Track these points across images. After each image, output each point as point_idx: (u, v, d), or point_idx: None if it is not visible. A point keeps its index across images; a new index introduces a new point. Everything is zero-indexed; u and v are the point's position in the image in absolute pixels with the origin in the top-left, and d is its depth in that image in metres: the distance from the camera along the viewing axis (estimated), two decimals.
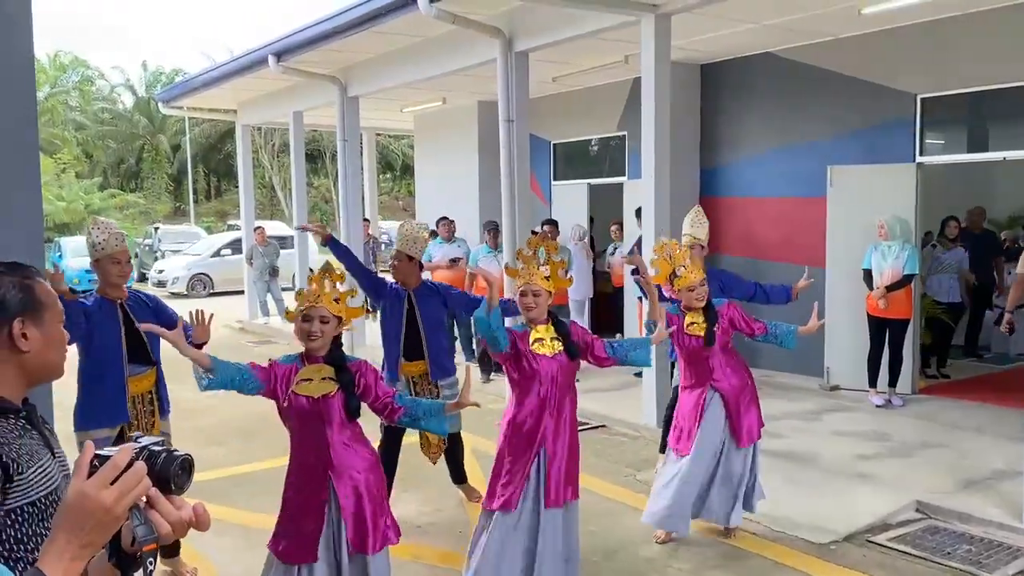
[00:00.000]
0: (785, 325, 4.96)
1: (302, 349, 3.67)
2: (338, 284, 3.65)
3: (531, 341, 3.96)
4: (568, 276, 4.27)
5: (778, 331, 4.93)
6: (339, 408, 3.55)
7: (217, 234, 25.27)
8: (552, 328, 4.03)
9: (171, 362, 4.49)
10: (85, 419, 4.37)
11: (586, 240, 10.61)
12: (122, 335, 4.38)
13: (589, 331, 4.25)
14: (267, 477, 6.45)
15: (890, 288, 7.62)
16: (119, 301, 4.43)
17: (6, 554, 1.72)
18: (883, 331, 7.88)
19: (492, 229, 9.79)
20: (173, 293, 15.21)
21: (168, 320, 4.42)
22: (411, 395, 5.13)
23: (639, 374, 9.27)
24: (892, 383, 7.94)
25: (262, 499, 5.90)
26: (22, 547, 1.75)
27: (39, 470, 1.79)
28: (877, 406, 7.85)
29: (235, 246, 19.11)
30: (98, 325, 4.33)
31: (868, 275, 7.79)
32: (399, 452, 5.44)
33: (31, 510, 1.77)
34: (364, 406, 3.67)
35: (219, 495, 5.93)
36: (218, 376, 3.48)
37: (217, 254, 20.63)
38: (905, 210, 7.94)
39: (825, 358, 8.62)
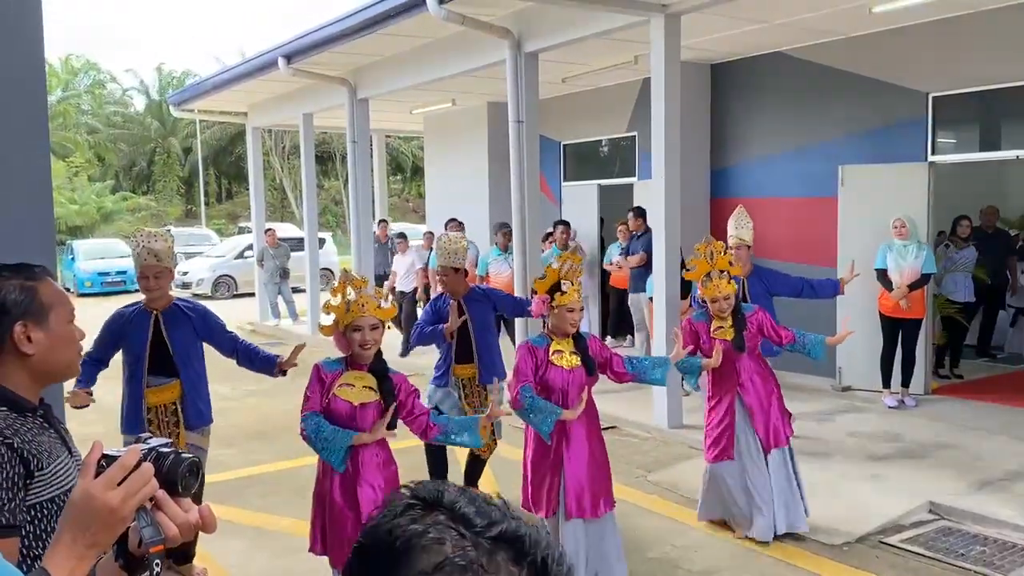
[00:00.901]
0: (813, 335, 4.96)
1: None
2: (365, 289, 3.70)
3: (551, 352, 4.07)
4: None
5: (806, 340, 4.94)
6: (374, 418, 3.60)
7: (239, 235, 25.29)
8: (572, 342, 4.12)
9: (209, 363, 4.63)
10: (125, 424, 4.51)
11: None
12: (147, 345, 4.42)
13: (607, 346, 4.34)
14: (277, 479, 6.48)
15: (910, 288, 7.59)
16: (155, 312, 4.46)
17: (24, 550, 1.74)
18: (896, 331, 7.83)
19: (505, 231, 9.75)
20: (196, 295, 15.32)
21: (213, 330, 4.58)
22: (461, 397, 5.36)
23: None
24: (905, 383, 7.89)
25: (273, 501, 5.92)
26: (40, 544, 1.76)
27: (58, 467, 1.81)
28: (890, 407, 7.80)
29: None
30: (130, 334, 4.43)
31: (883, 275, 7.74)
32: (446, 456, 5.59)
33: (51, 507, 1.79)
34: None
35: (230, 496, 5.95)
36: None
37: (240, 255, 20.62)
38: (917, 209, 7.89)
39: (837, 358, 8.57)
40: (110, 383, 4.71)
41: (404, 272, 11.69)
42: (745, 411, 4.91)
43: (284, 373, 4.61)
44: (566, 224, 9.93)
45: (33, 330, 1.83)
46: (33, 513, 1.76)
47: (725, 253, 4.88)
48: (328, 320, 3.75)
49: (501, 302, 5.77)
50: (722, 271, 4.80)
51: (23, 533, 1.73)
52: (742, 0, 6.78)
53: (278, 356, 4.63)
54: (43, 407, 1.91)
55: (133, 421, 4.46)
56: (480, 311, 5.47)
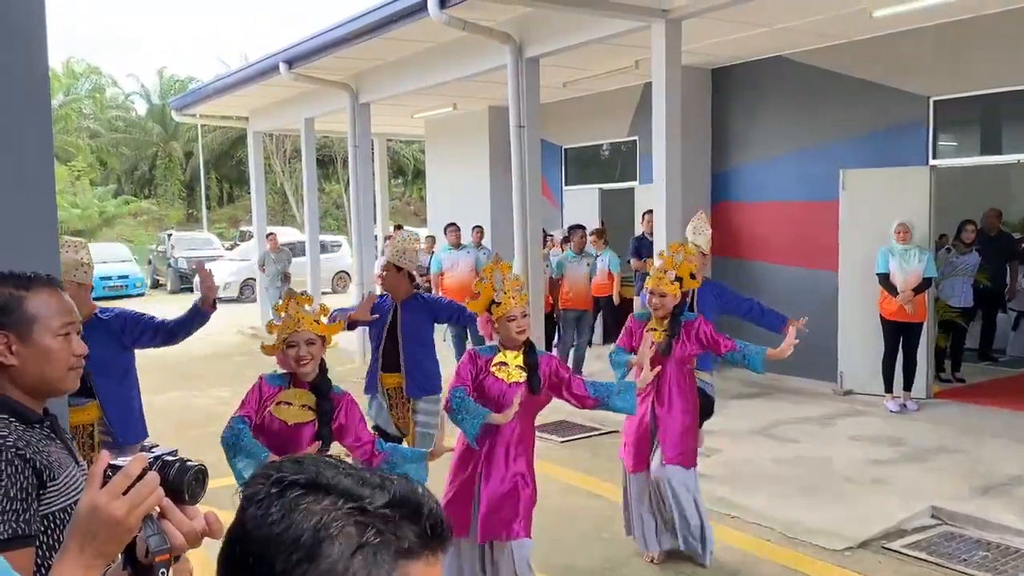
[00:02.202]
0: (755, 347, 4.66)
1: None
2: (307, 306, 3.56)
3: (494, 362, 3.82)
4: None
5: (747, 351, 4.62)
6: (308, 439, 3.43)
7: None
8: (522, 356, 3.84)
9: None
10: None
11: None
12: None
13: (567, 367, 4.09)
14: None
15: (914, 292, 7.60)
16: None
17: (39, 561, 1.74)
18: (897, 335, 7.84)
19: (454, 229, 10.33)
20: (221, 299, 15.40)
21: (141, 333, 4.17)
22: (387, 407, 5.12)
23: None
24: (907, 387, 7.89)
25: None
26: (52, 554, 1.76)
27: (68, 478, 1.82)
28: (892, 411, 7.80)
29: (293, 247, 19.61)
30: None
31: (885, 279, 7.74)
32: None
33: (62, 517, 1.79)
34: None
35: (234, 502, 5.95)
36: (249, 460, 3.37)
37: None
38: (918, 213, 7.90)
39: (838, 362, 8.58)
40: None
41: None
42: (655, 420, 4.70)
43: (214, 306, 4.28)
44: (582, 228, 9.95)
45: (15, 342, 1.79)
46: (45, 524, 1.76)
47: (688, 261, 4.73)
48: (271, 340, 3.61)
49: (443, 311, 5.33)
50: (678, 277, 4.65)
51: (36, 543, 1.74)
52: (743, 5, 6.79)
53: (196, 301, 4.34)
54: (49, 418, 1.90)
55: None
56: (414, 320, 5.13)
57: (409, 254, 5.25)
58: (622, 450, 4.88)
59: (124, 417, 4.21)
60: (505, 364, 3.82)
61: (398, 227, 13.77)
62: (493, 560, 3.88)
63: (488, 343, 4.00)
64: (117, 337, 4.13)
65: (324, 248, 17.50)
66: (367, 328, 5.44)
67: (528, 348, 3.87)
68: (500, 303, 3.81)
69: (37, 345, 1.82)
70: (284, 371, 3.58)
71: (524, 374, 3.81)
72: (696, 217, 6.17)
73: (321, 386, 3.50)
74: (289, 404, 3.48)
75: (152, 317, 4.27)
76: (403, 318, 5.15)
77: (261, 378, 3.59)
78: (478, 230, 11.09)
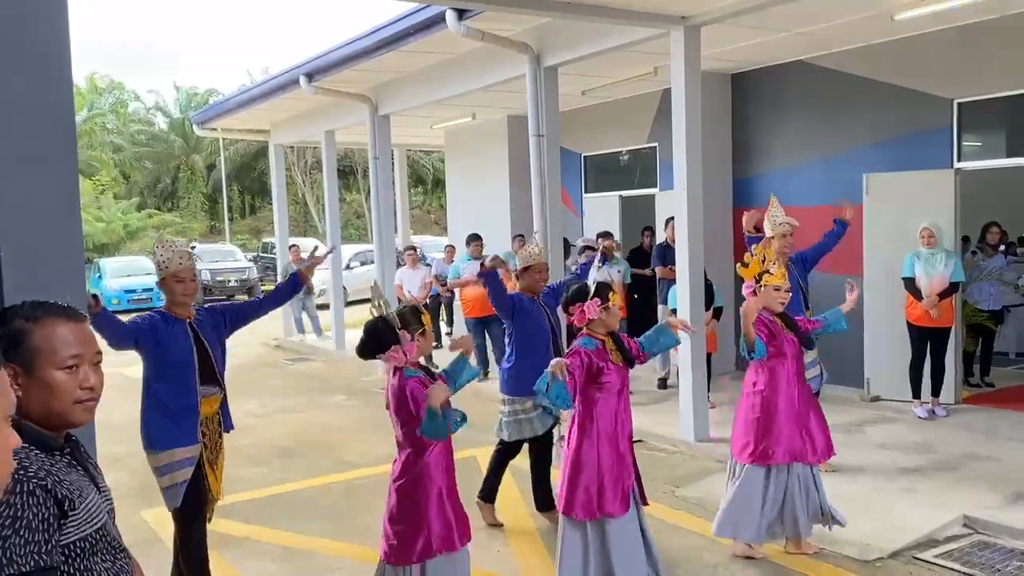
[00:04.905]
0: (831, 314, 5.10)
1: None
2: None
3: (608, 351, 4.15)
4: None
5: (828, 318, 5.09)
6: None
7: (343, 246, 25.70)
8: (611, 340, 4.19)
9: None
10: (160, 439, 4.19)
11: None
12: (194, 354, 4.28)
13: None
14: (307, 497, 6.49)
15: (939, 297, 7.50)
16: (188, 320, 4.35)
17: None
18: (925, 340, 7.74)
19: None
20: (319, 305, 15.87)
21: (241, 310, 4.68)
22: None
23: (663, 382, 9.21)
24: (935, 393, 7.78)
25: (302, 520, 5.93)
26: None
27: (89, 506, 1.82)
28: (920, 417, 7.70)
29: (360, 257, 20.97)
30: (168, 341, 4.22)
31: (911, 283, 7.65)
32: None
33: (83, 545, 1.80)
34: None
35: (256, 515, 5.97)
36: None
37: (347, 267, 20.91)
38: (943, 216, 7.80)
39: (865, 368, 8.48)
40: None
41: (418, 288, 11.74)
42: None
43: (308, 283, 4.92)
44: (609, 235, 9.94)
45: (20, 375, 1.81)
46: (67, 553, 1.77)
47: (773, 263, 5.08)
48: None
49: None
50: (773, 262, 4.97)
51: (58, 574, 1.74)
52: (762, 11, 6.75)
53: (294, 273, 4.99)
54: (70, 444, 1.90)
55: (188, 432, 4.23)
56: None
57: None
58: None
59: (227, 406, 4.58)
60: (612, 351, 4.15)
61: (410, 249, 13.59)
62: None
63: (582, 337, 4.20)
64: (225, 324, 4.56)
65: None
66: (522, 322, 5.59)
67: (613, 334, 4.22)
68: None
69: (40, 378, 1.83)
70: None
71: (621, 356, 4.15)
72: (773, 203, 6.59)
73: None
74: None
75: (236, 303, 4.83)
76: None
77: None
78: (519, 239, 10.98)
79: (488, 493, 5.68)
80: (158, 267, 4.33)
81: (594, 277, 4.38)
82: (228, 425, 4.59)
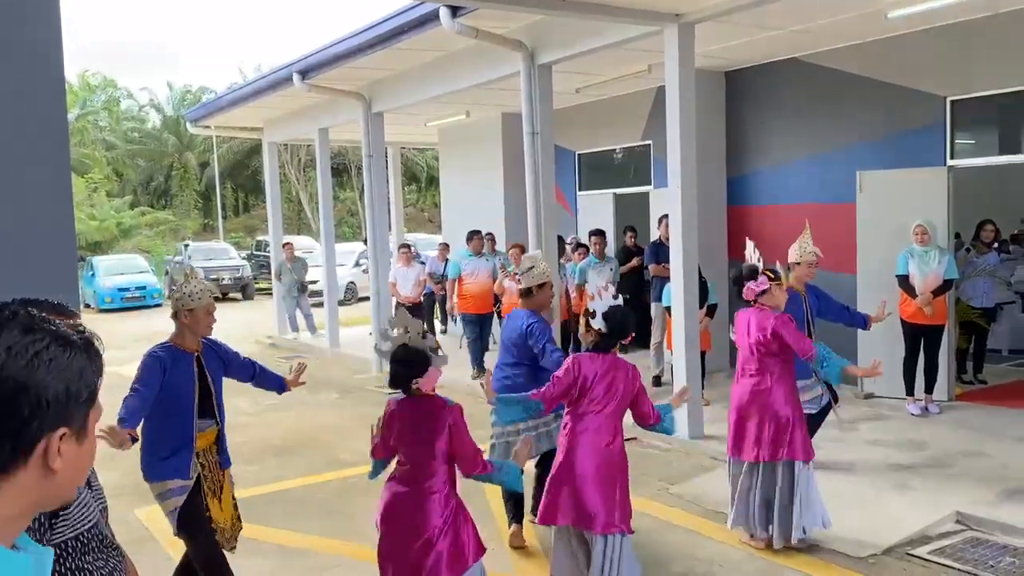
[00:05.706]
0: (833, 362, 5.08)
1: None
2: None
3: None
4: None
5: (829, 366, 5.09)
6: None
7: (350, 243, 25.49)
8: None
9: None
10: (155, 470, 4.12)
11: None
12: (195, 389, 4.14)
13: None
14: (302, 495, 6.49)
15: (933, 294, 7.52)
16: (196, 353, 4.19)
17: None
18: (918, 337, 7.76)
19: (483, 237, 10.33)
20: (341, 301, 15.73)
21: (240, 367, 4.49)
22: None
23: (658, 379, 9.20)
24: (928, 390, 7.81)
25: (297, 518, 5.92)
26: None
27: (80, 504, 1.81)
28: (914, 414, 7.72)
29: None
30: (173, 378, 4.08)
31: (905, 281, 7.67)
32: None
33: (75, 544, 1.79)
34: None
35: (252, 514, 5.96)
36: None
37: (356, 264, 20.87)
38: (937, 214, 7.82)
39: (859, 365, 8.49)
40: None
41: (411, 286, 11.74)
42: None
43: (290, 389, 4.71)
44: (601, 234, 9.93)
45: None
46: (59, 552, 1.76)
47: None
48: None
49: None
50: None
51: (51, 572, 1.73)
52: (756, 8, 6.75)
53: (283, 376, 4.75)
54: None
55: (180, 466, 4.12)
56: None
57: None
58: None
59: (224, 441, 4.40)
60: None
61: (444, 245, 13.50)
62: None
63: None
64: (223, 364, 4.38)
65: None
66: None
67: None
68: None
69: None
70: None
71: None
72: (806, 230, 6.48)
73: None
74: None
75: (239, 354, 4.57)
76: None
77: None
78: (490, 237, 11.07)
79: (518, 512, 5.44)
80: (186, 298, 4.07)
81: (598, 307, 4.32)
82: (226, 462, 4.38)
